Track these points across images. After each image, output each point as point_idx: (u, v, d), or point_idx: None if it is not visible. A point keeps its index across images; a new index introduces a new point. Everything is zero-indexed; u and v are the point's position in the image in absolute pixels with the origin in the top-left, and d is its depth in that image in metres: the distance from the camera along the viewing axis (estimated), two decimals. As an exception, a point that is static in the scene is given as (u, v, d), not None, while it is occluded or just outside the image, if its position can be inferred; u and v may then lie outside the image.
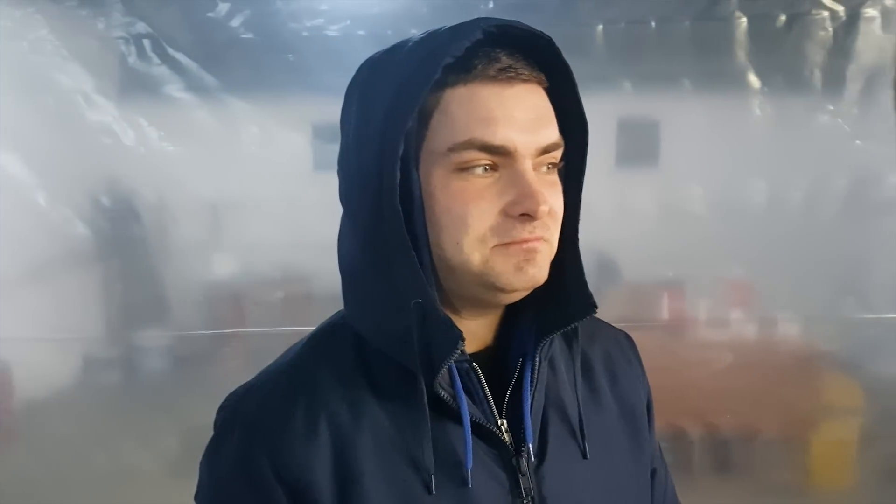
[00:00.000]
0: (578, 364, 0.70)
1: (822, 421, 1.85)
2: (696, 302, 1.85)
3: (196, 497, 0.66)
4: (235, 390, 0.67)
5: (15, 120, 1.78)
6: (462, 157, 0.58)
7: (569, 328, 0.67)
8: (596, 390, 0.73)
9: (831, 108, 1.81)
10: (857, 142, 1.81)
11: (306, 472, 0.60)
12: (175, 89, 1.82)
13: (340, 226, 0.68)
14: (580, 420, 0.68)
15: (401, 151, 0.58)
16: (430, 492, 0.60)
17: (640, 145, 1.82)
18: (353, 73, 0.67)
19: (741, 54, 1.81)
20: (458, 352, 0.59)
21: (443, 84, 0.59)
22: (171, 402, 1.73)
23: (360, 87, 0.65)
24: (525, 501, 0.63)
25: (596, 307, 0.66)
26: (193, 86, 1.81)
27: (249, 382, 0.68)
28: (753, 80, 1.81)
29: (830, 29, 1.79)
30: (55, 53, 1.79)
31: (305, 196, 1.70)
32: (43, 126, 1.80)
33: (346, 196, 0.66)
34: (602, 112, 1.75)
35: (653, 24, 1.80)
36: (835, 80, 1.80)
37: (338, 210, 0.68)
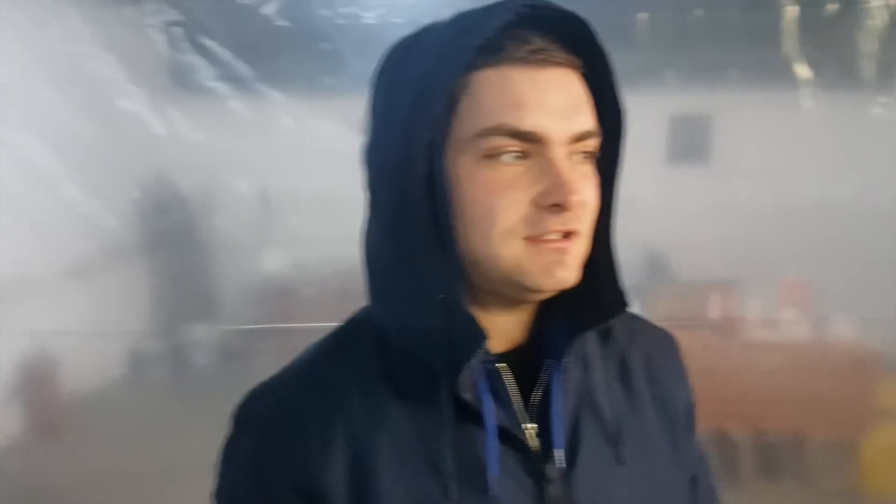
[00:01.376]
0: (615, 364, 0.67)
1: (875, 425, 1.81)
2: (746, 302, 1.81)
3: (212, 496, 0.64)
4: (253, 388, 0.64)
5: (45, 109, 1.75)
6: (490, 144, 0.55)
7: (603, 326, 0.64)
8: (633, 392, 0.69)
9: (884, 100, 1.76)
10: (913, 135, 1.75)
11: (320, 478, 0.57)
12: (207, 78, 1.78)
13: (365, 218, 0.64)
14: (616, 423, 0.65)
15: (427, 139, 0.55)
16: (449, 498, 0.57)
17: (691, 141, 1.78)
18: (388, 61, 0.64)
19: (791, 45, 1.75)
20: (482, 351, 0.56)
21: (471, 67, 0.56)
22: (216, 397, 1.70)
23: (387, 74, 0.61)
24: None
25: (628, 306, 0.63)
26: (227, 75, 1.78)
27: (267, 381, 0.65)
28: (804, 71, 1.75)
29: (883, 18, 1.73)
30: (86, 42, 1.76)
31: (351, 189, 1.66)
32: (74, 116, 1.76)
33: (371, 187, 0.63)
34: (652, 106, 1.73)
35: (700, 12, 1.74)
36: (888, 71, 1.75)
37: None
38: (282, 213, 1.80)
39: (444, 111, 0.56)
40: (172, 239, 1.82)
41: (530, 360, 0.63)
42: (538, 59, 0.55)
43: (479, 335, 0.56)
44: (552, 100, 0.55)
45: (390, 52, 0.62)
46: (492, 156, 0.55)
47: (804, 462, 1.78)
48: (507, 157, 0.55)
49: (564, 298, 0.61)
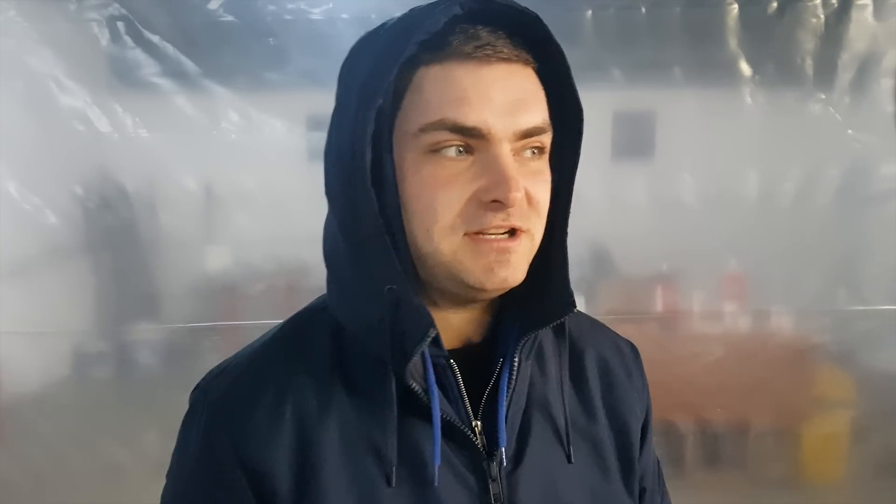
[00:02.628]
0: (569, 366, 0.67)
1: (815, 414, 1.85)
2: (689, 295, 1.83)
3: (167, 474, 0.65)
4: (211, 370, 0.66)
5: (-19, 106, 1.71)
6: (433, 139, 0.55)
7: (554, 325, 0.64)
8: (587, 397, 0.69)
9: (823, 97, 1.79)
10: (850, 131, 1.79)
11: (266, 458, 0.58)
12: (151, 74, 1.75)
13: (327, 212, 0.65)
14: (566, 423, 0.65)
15: (371, 131, 0.55)
16: (389, 484, 0.58)
17: (635, 137, 1.80)
18: (336, 57, 0.65)
19: (732, 42, 1.78)
20: (429, 339, 0.56)
21: (417, 62, 0.56)
22: (161, 396, 1.67)
23: (344, 69, 0.63)
24: None
25: (574, 306, 0.63)
26: (171, 71, 1.75)
27: (224, 363, 0.66)
28: (745, 68, 1.78)
29: (822, 16, 1.77)
30: (24, 36, 1.72)
31: (297, 186, 1.64)
32: (13, 112, 1.72)
33: (326, 181, 0.63)
34: (597, 103, 1.74)
35: (643, 10, 1.76)
36: (827, 68, 1.78)
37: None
38: (227, 210, 1.78)
39: (391, 105, 0.56)
40: (116, 236, 1.79)
41: (485, 357, 0.64)
42: (483, 55, 0.55)
43: (427, 325, 0.55)
44: (496, 96, 0.55)
45: (352, 48, 0.63)
46: (435, 150, 0.56)
47: (747, 451, 1.81)
48: (450, 152, 0.56)
49: (517, 296, 0.61)
